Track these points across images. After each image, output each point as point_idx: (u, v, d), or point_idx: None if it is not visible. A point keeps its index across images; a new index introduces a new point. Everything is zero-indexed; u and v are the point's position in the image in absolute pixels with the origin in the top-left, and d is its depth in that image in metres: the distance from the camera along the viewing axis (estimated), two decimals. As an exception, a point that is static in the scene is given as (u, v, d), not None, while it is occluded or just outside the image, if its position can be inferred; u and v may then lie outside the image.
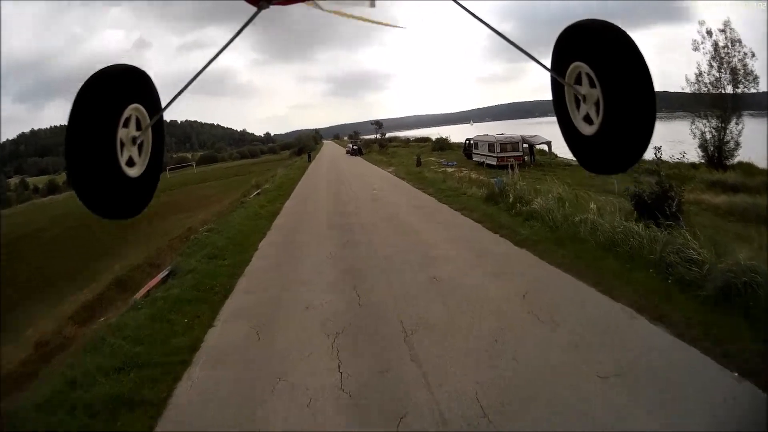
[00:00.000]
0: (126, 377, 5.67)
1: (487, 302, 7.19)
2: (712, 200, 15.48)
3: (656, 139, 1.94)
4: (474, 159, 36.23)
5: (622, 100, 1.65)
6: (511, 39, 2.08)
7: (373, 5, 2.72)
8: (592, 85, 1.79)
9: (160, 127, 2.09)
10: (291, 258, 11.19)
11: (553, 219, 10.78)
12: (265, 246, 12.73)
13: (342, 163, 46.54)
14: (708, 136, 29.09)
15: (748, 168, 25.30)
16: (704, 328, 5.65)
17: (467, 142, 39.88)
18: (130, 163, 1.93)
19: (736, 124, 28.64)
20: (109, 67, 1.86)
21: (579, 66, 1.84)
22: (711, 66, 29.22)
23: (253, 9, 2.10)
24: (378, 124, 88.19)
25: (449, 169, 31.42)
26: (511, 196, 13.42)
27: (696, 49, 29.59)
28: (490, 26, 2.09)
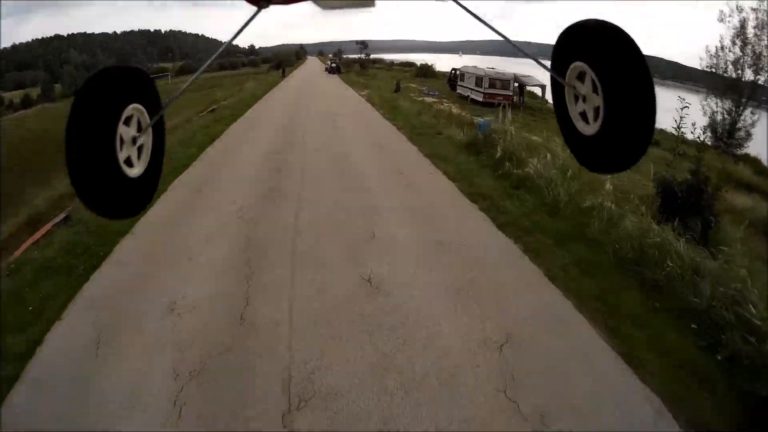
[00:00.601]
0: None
1: (438, 353, 4.16)
2: (732, 200, 11.63)
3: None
4: (458, 91, 31.85)
5: (624, 102, 1.53)
6: None
7: (373, 5, 2.65)
8: (593, 85, 1.67)
9: (160, 128, 2.01)
10: (194, 210, 7.99)
11: (554, 195, 7.58)
12: (176, 188, 9.38)
13: (316, 81, 41.36)
14: (719, 117, 25.42)
15: (754, 164, 21.84)
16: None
17: (453, 72, 35.18)
18: (129, 162, 1.80)
19: (752, 113, 24.72)
20: (110, 66, 1.75)
21: (579, 66, 1.72)
22: (734, 43, 24.77)
23: (254, 9, 2.07)
24: (363, 45, 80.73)
25: (429, 99, 27.40)
26: (499, 148, 9.96)
27: (721, 20, 24.84)
28: (490, 26, 2.05)
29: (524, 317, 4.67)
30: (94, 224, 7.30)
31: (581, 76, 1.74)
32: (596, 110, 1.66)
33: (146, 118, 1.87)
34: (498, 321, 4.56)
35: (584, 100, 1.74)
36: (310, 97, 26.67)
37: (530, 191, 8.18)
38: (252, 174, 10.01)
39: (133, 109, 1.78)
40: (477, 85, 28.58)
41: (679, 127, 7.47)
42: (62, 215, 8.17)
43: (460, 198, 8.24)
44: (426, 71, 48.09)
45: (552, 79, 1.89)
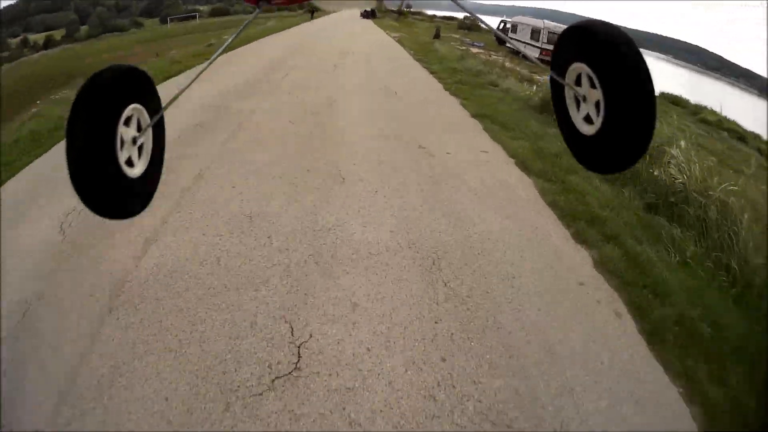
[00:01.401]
0: None
1: None
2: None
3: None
4: (508, 46, 26.28)
5: (623, 102, 1.44)
6: None
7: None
8: (592, 86, 1.56)
9: (160, 129, 1.86)
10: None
11: (740, 246, 3.30)
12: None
13: (343, 24, 35.71)
14: None
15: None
16: None
17: (503, 23, 29.36)
18: (130, 163, 1.65)
19: None
20: (110, 66, 1.58)
21: (579, 67, 1.60)
22: None
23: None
24: (405, -4, 73.15)
25: (474, 50, 22.20)
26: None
27: None
28: (491, 28, 2.09)
29: None
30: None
31: (581, 77, 1.59)
32: (597, 109, 1.51)
33: (146, 118, 1.73)
34: None
35: (584, 100, 1.59)
36: (325, 36, 21.79)
37: (683, 223, 3.83)
38: (170, 134, 5.86)
39: (133, 109, 1.64)
40: (533, 38, 23.13)
41: None
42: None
43: (549, 223, 3.88)
44: (470, 24, 41.82)
45: (551, 79, 1.74)
